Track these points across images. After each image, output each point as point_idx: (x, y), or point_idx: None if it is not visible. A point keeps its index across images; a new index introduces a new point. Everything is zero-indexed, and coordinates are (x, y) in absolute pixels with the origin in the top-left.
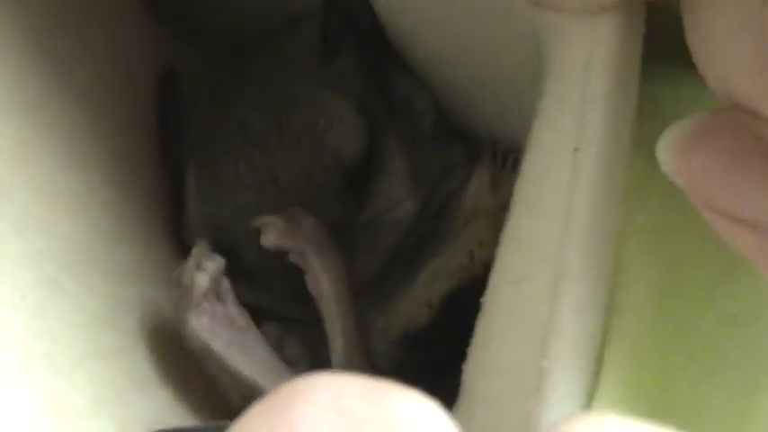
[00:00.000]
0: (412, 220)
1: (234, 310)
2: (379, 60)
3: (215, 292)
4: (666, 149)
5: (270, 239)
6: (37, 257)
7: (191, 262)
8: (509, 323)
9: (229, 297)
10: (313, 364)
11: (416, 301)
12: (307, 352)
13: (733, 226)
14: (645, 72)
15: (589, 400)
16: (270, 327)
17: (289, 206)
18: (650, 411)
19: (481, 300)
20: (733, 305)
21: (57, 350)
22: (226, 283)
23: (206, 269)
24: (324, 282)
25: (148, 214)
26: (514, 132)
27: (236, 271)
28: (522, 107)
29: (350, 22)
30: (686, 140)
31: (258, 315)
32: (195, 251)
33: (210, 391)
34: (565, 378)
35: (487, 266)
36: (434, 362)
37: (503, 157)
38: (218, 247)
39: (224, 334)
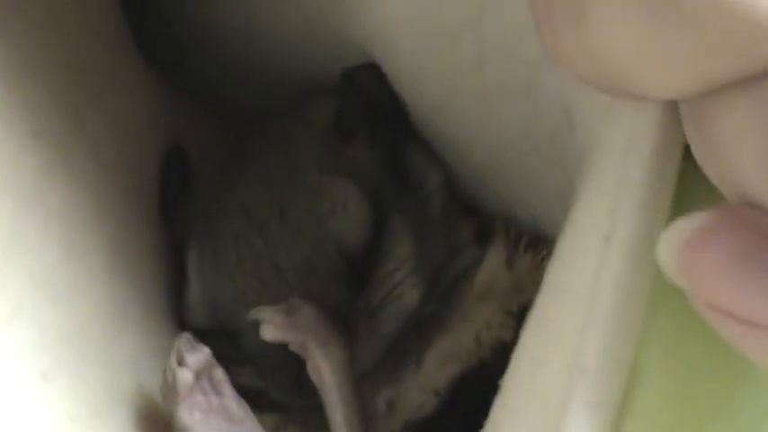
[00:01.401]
0: (415, 306)
1: (231, 401)
2: (397, 138)
3: (209, 383)
4: (668, 249)
5: (269, 333)
6: (29, 351)
7: (172, 358)
8: (523, 407)
9: (225, 388)
10: None
11: (423, 389)
12: None
13: (738, 326)
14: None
15: None
16: (268, 416)
17: (289, 292)
18: None
19: (491, 386)
20: (746, 415)
21: None
22: (219, 373)
23: (189, 365)
24: (325, 371)
25: (149, 296)
26: (532, 213)
27: (237, 353)
28: (544, 185)
29: (369, 102)
30: (690, 239)
31: (258, 401)
32: (177, 344)
33: None
34: None
35: (496, 351)
36: None
37: (515, 237)
38: (220, 329)
39: (219, 427)
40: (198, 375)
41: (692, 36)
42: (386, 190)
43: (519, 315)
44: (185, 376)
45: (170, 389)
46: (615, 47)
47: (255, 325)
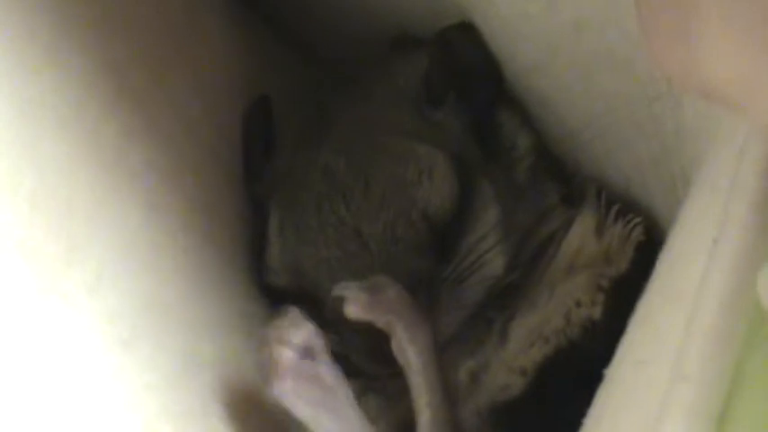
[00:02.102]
0: (501, 272)
1: (324, 368)
2: (488, 101)
3: (307, 351)
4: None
5: (354, 312)
6: (110, 320)
7: (273, 335)
8: (623, 404)
9: (322, 355)
10: (391, 423)
11: (509, 369)
12: (386, 411)
13: None
14: None
15: None
16: (350, 381)
17: (372, 261)
18: None
19: (580, 367)
20: None
21: (128, 414)
22: (319, 342)
23: (290, 342)
24: (411, 354)
25: (228, 258)
26: (625, 179)
27: (318, 317)
28: (639, 154)
29: (462, 65)
30: None
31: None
32: (279, 323)
33: None
34: None
35: (586, 330)
36: None
37: (607, 203)
38: (301, 293)
39: (310, 395)
40: (300, 349)
41: None
42: (473, 155)
43: (610, 291)
44: (287, 355)
45: (266, 363)
46: (719, 68)
47: (339, 296)
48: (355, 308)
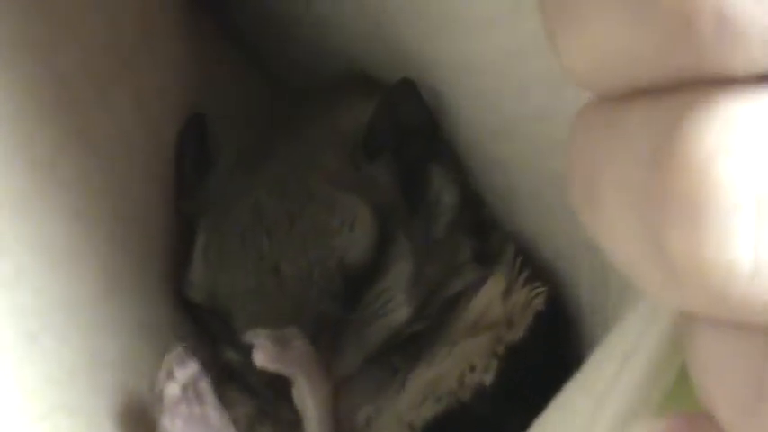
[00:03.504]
0: (404, 321)
1: (211, 410)
2: (422, 157)
3: (194, 393)
4: None
5: (261, 361)
6: (22, 314)
7: (162, 371)
8: None
9: (208, 398)
10: None
11: (399, 421)
12: None
13: None
14: None
15: None
16: (239, 410)
17: (285, 300)
18: None
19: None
20: None
21: (25, 404)
22: (204, 385)
23: (177, 378)
24: (309, 404)
25: (146, 268)
26: (554, 249)
27: (228, 335)
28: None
29: (401, 121)
30: None
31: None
32: (168, 358)
33: None
34: None
35: (477, 393)
36: None
37: (519, 267)
38: (215, 312)
39: None
40: (184, 388)
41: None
42: (397, 209)
43: (504, 357)
44: (172, 391)
45: (157, 398)
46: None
47: (247, 322)
48: (263, 357)
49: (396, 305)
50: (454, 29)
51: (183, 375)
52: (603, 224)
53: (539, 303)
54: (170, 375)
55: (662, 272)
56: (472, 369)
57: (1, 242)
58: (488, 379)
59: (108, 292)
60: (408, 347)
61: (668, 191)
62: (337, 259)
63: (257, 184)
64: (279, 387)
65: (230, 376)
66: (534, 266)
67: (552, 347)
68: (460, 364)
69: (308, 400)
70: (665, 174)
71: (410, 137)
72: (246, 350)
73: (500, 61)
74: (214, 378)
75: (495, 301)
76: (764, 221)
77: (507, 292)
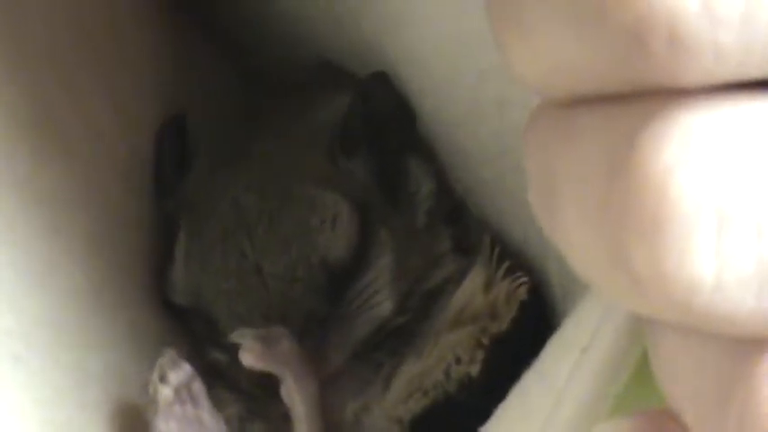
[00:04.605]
0: (389, 314)
1: (205, 413)
2: (398, 149)
3: (188, 395)
4: None
5: (248, 360)
6: (4, 336)
7: (155, 374)
8: None
9: (202, 400)
10: None
11: (388, 417)
12: None
13: None
14: None
15: None
16: (229, 409)
17: (269, 298)
18: None
19: (455, 420)
20: None
21: (12, 425)
22: (198, 387)
23: (170, 381)
24: (297, 402)
25: (126, 274)
26: (523, 233)
27: (213, 336)
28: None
29: (376, 114)
30: None
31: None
32: (160, 362)
33: None
34: None
35: (464, 385)
36: None
37: (498, 259)
38: (199, 313)
39: None
40: (177, 390)
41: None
42: (377, 203)
43: (490, 348)
44: (166, 393)
45: (150, 401)
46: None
47: (232, 323)
48: (250, 357)
49: (380, 299)
50: (408, 21)
51: (176, 378)
52: (563, 233)
53: (522, 293)
54: (163, 378)
55: (623, 282)
56: (458, 361)
57: None
58: (475, 370)
59: (90, 305)
60: (391, 342)
61: (627, 205)
62: (320, 257)
63: (236, 182)
64: (267, 385)
65: (218, 377)
66: (509, 254)
67: (538, 335)
68: (446, 357)
69: (296, 398)
70: (622, 188)
71: (385, 129)
72: (233, 350)
73: (455, 51)
74: (202, 380)
75: (476, 294)
76: (725, 235)
77: (488, 285)
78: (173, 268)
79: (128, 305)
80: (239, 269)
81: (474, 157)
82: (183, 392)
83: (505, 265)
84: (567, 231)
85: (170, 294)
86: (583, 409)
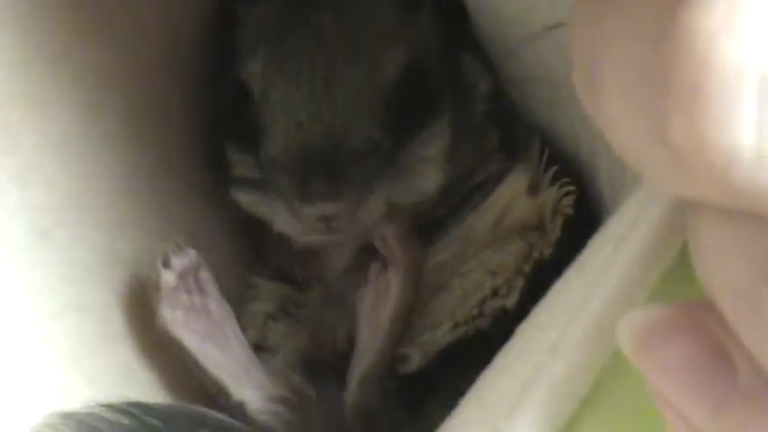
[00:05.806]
0: (433, 191)
1: (213, 302)
2: (458, 41)
3: (196, 283)
4: (624, 338)
5: (383, 234)
6: (32, 210)
7: (159, 259)
8: (511, 364)
9: (209, 288)
10: (294, 350)
11: (412, 342)
12: (291, 338)
13: (683, 426)
14: None
15: None
16: (259, 305)
17: (335, 111)
18: None
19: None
20: None
21: (38, 303)
22: (205, 275)
23: (173, 267)
24: (390, 300)
25: (167, 162)
26: (576, 138)
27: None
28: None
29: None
30: (645, 334)
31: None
32: (163, 246)
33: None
34: None
35: (497, 321)
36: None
37: (547, 161)
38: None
39: (199, 326)
40: (183, 277)
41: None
42: (440, 70)
43: (530, 276)
44: (168, 278)
45: (155, 288)
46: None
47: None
48: (389, 234)
49: (431, 170)
50: None
51: (180, 264)
52: (605, 108)
53: (568, 205)
54: (167, 264)
55: (664, 157)
56: (494, 294)
57: (12, 137)
58: (511, 302)
59: (124, 187)
60: (429, 235)
61: (669, 71)
62: (382, 76)
63: (315, 7)
64: (308, 275)
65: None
66: (560, 160)
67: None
68: (484, 285)
69: (390, 298)
70: (666, 55)
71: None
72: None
73: None
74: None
75: (519, 196)
76: (767, 104)
77: (534, 189)
78: (251, 58)
79: (164, 195)
80: (311, 80)
81: (528, 58)
82: (189, 280)
83: (553, 169)
84: (609, 106)
85: (236, 171)
86: (616, 297)
